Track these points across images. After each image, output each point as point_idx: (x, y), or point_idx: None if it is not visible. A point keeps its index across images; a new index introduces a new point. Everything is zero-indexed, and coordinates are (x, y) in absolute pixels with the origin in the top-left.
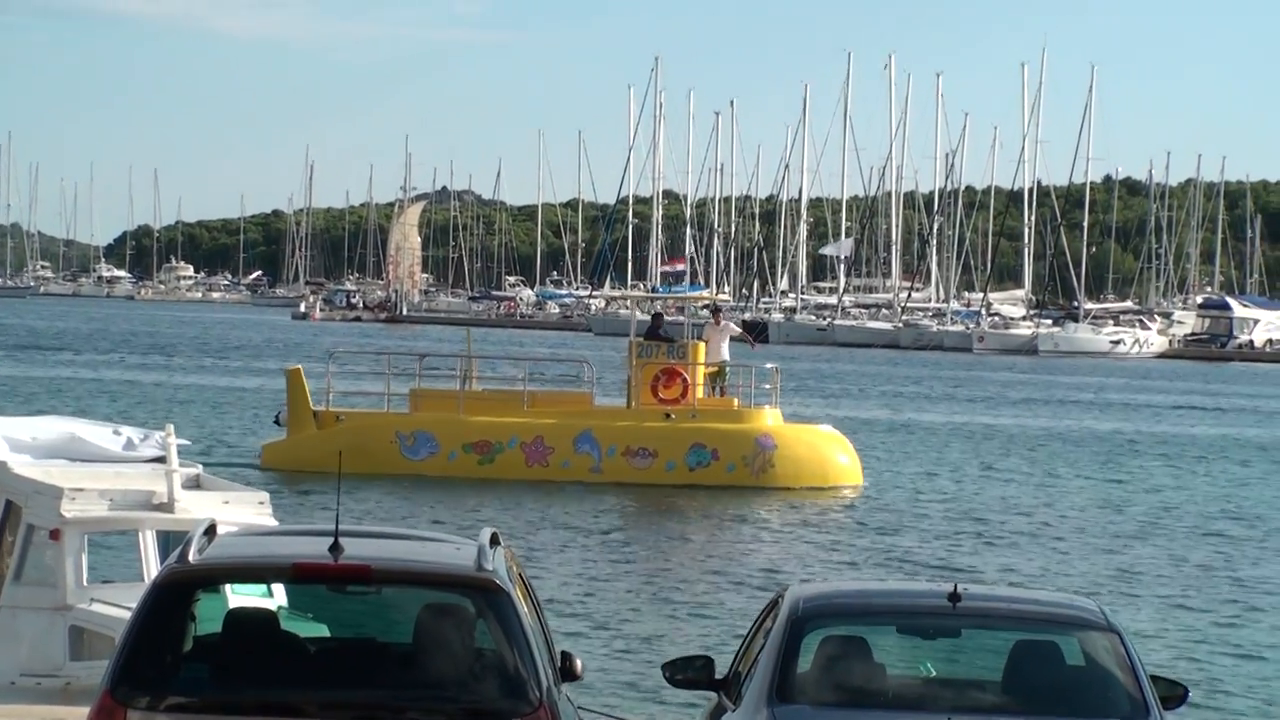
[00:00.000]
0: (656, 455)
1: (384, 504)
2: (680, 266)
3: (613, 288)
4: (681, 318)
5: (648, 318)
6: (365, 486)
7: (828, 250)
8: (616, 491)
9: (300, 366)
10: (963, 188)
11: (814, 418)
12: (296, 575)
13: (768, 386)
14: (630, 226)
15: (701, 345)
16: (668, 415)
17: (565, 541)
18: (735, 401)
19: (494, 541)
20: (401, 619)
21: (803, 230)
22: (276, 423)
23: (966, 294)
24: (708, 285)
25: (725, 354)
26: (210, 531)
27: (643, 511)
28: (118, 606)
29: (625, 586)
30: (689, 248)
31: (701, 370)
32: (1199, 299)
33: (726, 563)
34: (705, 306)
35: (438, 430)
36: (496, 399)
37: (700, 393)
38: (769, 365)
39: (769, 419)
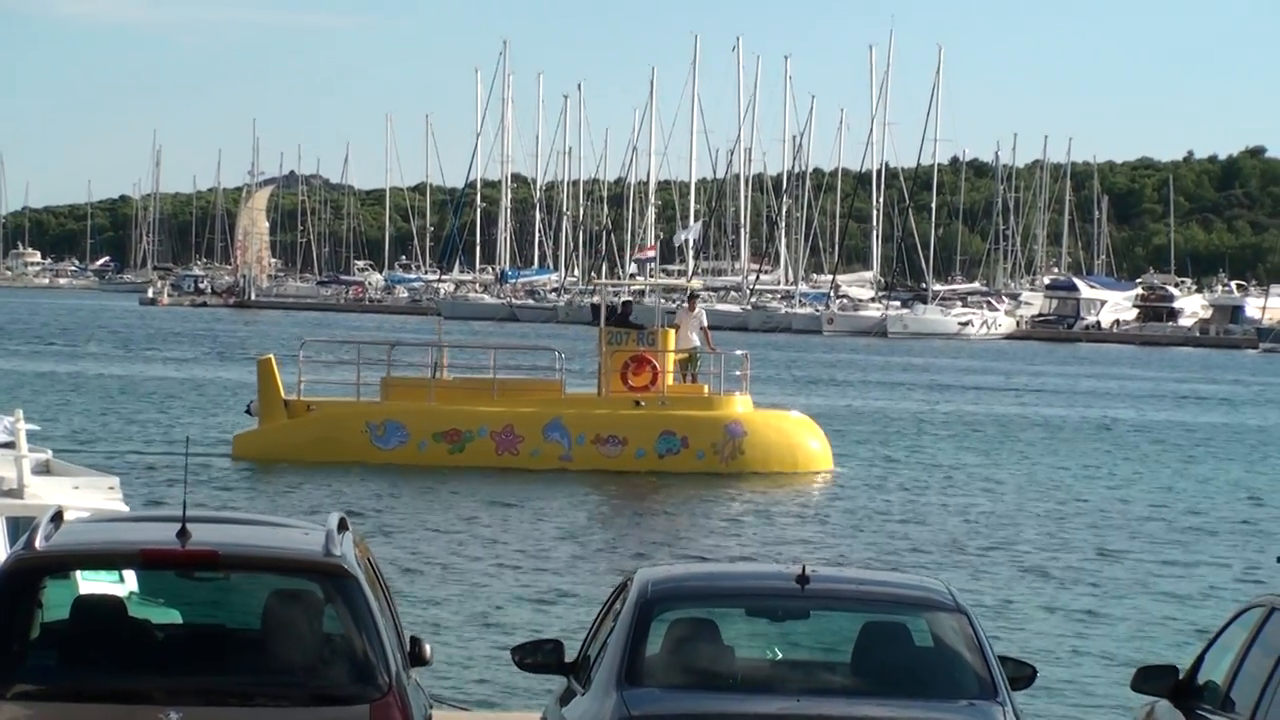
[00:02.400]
0: (626, 443)
1: (352, 493)
2: (651, 253)
3: (461, 272)
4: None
5: (618, 304)
6: (337, 475)
7: (679, 238)
8: (585, 479)
9: (271, 356)
10: (810, 170)
11: (784, 404)
12: (144, 561)
13: (738, 373)
14: (478, 210)
15: (671, 332)
16: (637, 403)
17: (528, 529)
18: (705, 388)
19: (342, 526)
20: (251, 604)
21: (651, 213)
22: (248, 412)
23: (815, 276)
24: (556, 269)
25: (696, 341)
26: (58, 518)
27: (608, 499)
28: None
29: (586, 572)
30: (537, 232)
31: (671, 357)
32: (1046, 280)
33: (665, 547)
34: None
35: (408, 419)
36: (467, 388)
37: (670, 380)
38: (739, 352)
39: (739, 406)
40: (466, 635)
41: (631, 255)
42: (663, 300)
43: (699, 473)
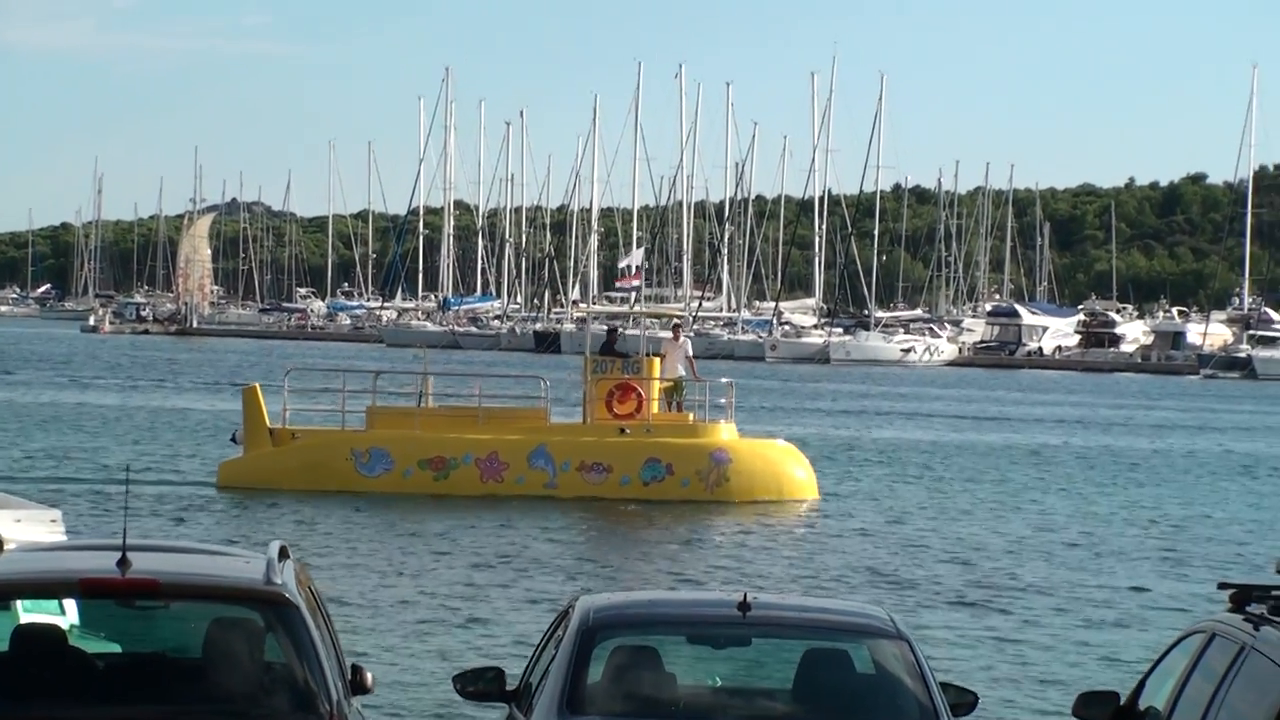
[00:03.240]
0: (611, 470)
1: (330, 521)
2: (636, 281)
3: (404, 299)
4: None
5: (604, 332)
6: (320, 503)
7: (623, 264)
8: (569, 507)
9: (257, 385)
10: (753, 197)
11: (769, 432)
12: (84, 590)
13: (723, 402)
14: (421, 237)
15: (657, 361)
16: (622, 430)
17: (498, 557)
18: (691, 416)
19: (283, 555)
20: (191, 633)
21: (594, 240)
22: (233, 441)
23: (758, 303)
24: (499, 296)
25: (681, 370)
26: None
27: (588, 527)
28: None
29: (548, 601)
30: (480, 259)
31: (656, 385)
32: (988, 307)
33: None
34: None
35: (393, 447)
36: (451, 415)
37: (655, 408)
38: (724, 380)
39: (724, 434)
40: (422, 664)
41: (615, 282)
42: (651, 326)
43: (684, 500)
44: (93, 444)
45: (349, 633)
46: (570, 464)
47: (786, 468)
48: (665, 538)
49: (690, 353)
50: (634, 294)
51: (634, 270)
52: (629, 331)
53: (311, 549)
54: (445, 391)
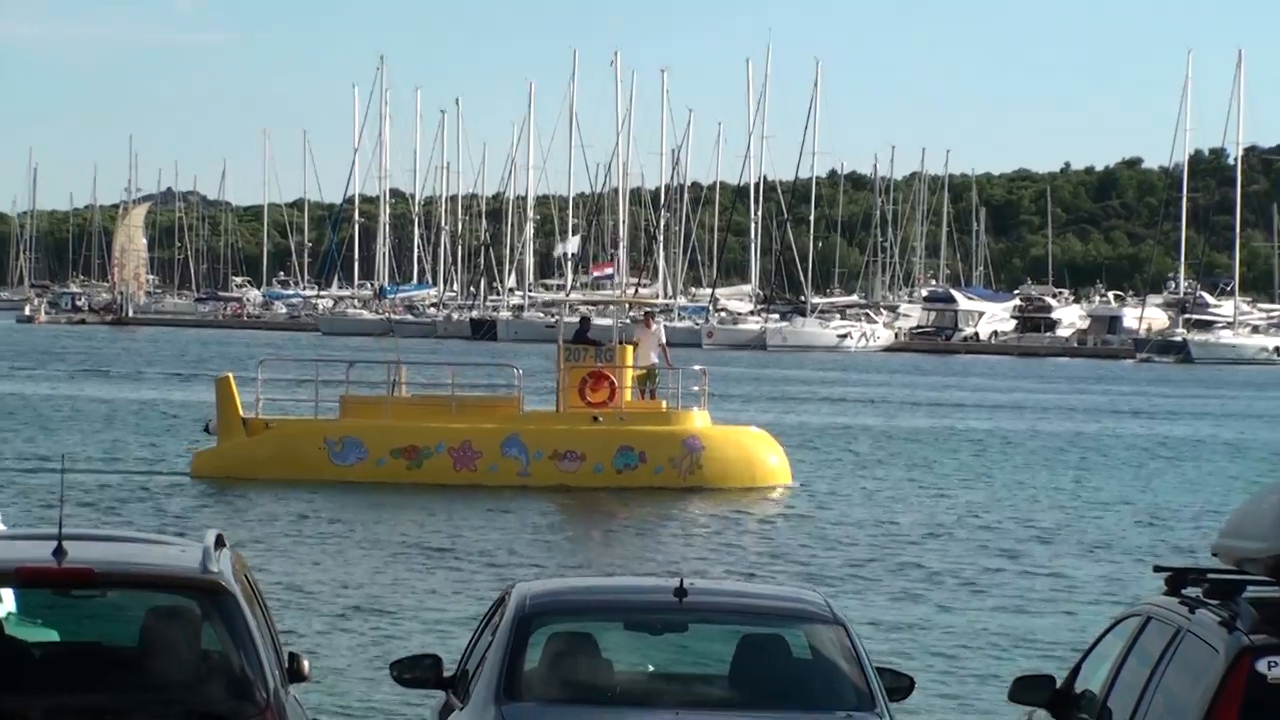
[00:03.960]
0: (584, 458)
1: (303, 510)
2: (609, 270)
3: (340, 287)
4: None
5: (575, 321)
6: (293, 492)
7: (559, 250)
8: (541, 495)
9: (230, 375)
10: (689, 184)
11: (744, 420)
12: (20, 579)
13: (696, 389)
14: (357, 226)
15: (630, 349)
16: (595, 418)
17: (459, 547)
18: (664, 404)
19: (219, 543)
20: (128, 622)
21: (529, 228)
22: (206, 431)
23: (694, 290)
24: (435, 284)
25: (655, 358)
26: None
27: (557, 515)
28: None
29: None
30: (416, 247)
31: (630, 373)
32: (924, 292)
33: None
34: (642, 310)
35: (366, 436)
36: (424, 404)
37: (629, 396)
38: (697, 368)
39: (697, 421)
40: (364, 652)
41: (590, 272)
42: (627, 319)
43: (657, 488)
44: (59, 437)
45: (298, 618)
46: (543, 452)
47: (760, 454)
48: (634, 525)
49: (663, 340)
50: (608, 282)
51: (602, 260)
52: (599, 321)
53: (277, 537)
54: (418, 381)
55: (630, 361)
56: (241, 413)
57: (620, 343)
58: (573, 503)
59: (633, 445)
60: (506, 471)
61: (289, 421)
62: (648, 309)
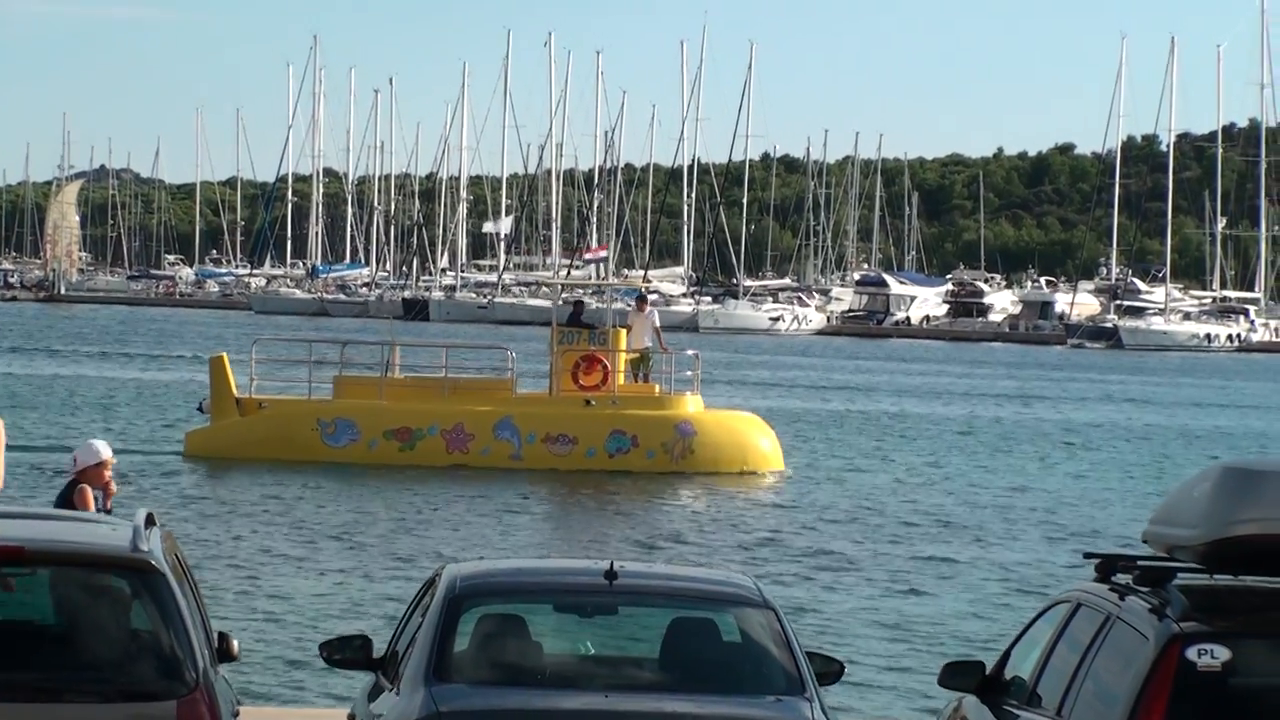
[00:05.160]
0: (576, 442)
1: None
2: (603, 253)
3: (272, 266)
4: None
5: (567, 304)
6: (284, 473)
7: (488, 227)
8: (531, 477)
9: (224, 354)
10: (622, 165)
11: (736, 404)
12: None
13: (689, 373)
14: (290, 205)
15: (623, 332)
16: (588, 402)
17: (467, 528)
18: (657, 388)
19: (150, 522)
20: (57, 600)
21: (463, 208)
22: (200, 410)
23: (626, 271)
24: (367, 264)
25: (648, 341)
26: None
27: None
28: None
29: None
30: (349, 226)
31: (623, 357)
32: (856, 276)
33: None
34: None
35: (359, 417)
36: (418, 386)
37: (622, 379)
38: (690, 352)
39: (690, 405)
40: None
41: (580, 255)
42: (617, 301)
43: (649, 472)
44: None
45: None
46: (536, 435)
47: (752, 439)
48: (622, 509)
49: (657, 324)
50: (599, 265)
51: (602, 244)
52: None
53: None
54: (411, 363)
55: (624, 345)
56: (235, 392)
57: (614, 326)
58: (562, 487)
59: (625, 429)
60: (499, 454)
61: (282, 401)
62: (642, 292)
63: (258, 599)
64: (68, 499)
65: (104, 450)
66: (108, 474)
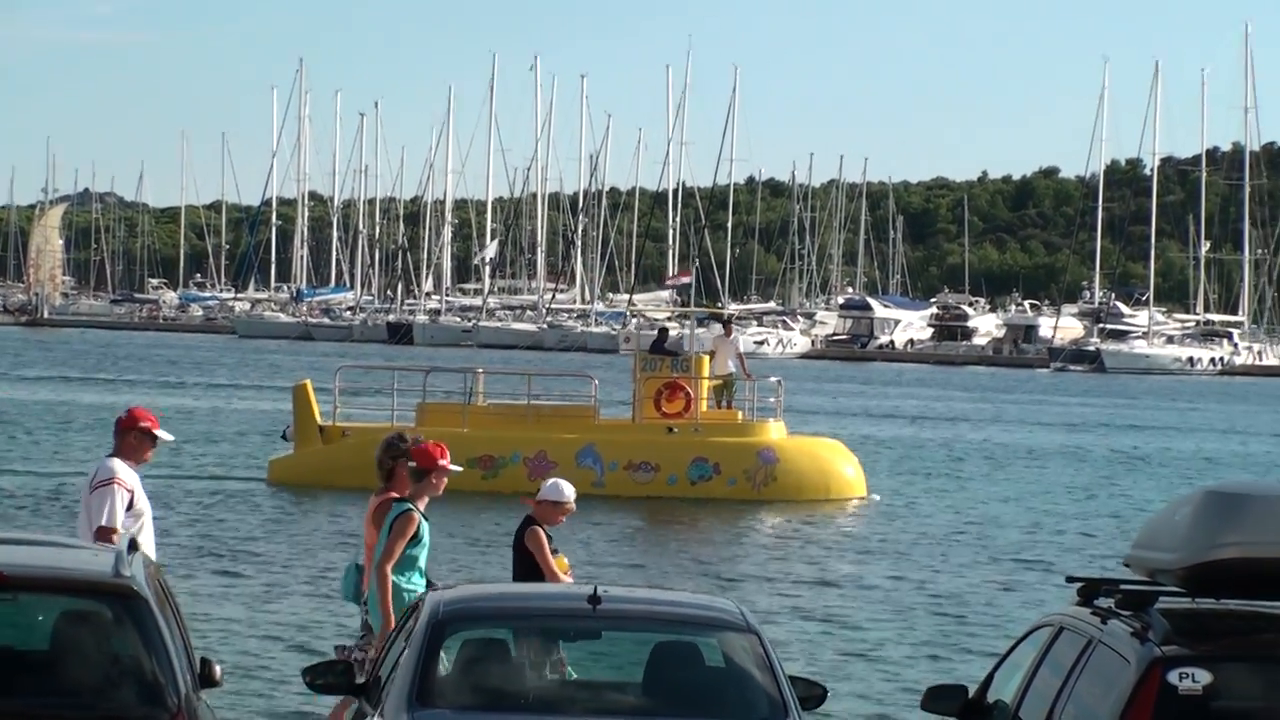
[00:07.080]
0: (658, 469)
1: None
2: (686, 279)
3: (257, 290)
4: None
5: (652, 330)
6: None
7: (481, 256)
8: (614, 505)
9: (308, 381)
10: (607, 189)
11: (819, 431)
12: None
13: (772, 400)
14: (274, 229)
15: (706, 359)
16: (670, 429)
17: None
18: (740, 415)
19: (133, 547)
20: (39, 626)
21: (447, 232)
22: (284, 438)
23: (611, 295)
24: (352, 288)
25: (731, 367)
26: None
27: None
28: None
29: None
30: (334, 250)
31: (706, 384)
32: (841, 299)
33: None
34: (717, 319)
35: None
36: (501, 413)
37: (704, 406)
38: (773, 379)
39: (773, 432)
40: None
41: (662, 281)
42: (701, 328)
43: (731, 499)
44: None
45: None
46: (618, 463)
47: (835, 466)
48: (702, 538)
49: (741, 349)
50: (683, 291)
51: (686, 270)
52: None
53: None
54: (494, 390)
55: (706, 372)
56: (319, 420)
57: (697, 353)
58: (645, 515)
59: (707, 456)
60: (581, 482)
61: (366, 429)
62: (727, 317)
63: (268, 623)
64: (520, 538)
65: (568, 491)
66: (561, 518)
